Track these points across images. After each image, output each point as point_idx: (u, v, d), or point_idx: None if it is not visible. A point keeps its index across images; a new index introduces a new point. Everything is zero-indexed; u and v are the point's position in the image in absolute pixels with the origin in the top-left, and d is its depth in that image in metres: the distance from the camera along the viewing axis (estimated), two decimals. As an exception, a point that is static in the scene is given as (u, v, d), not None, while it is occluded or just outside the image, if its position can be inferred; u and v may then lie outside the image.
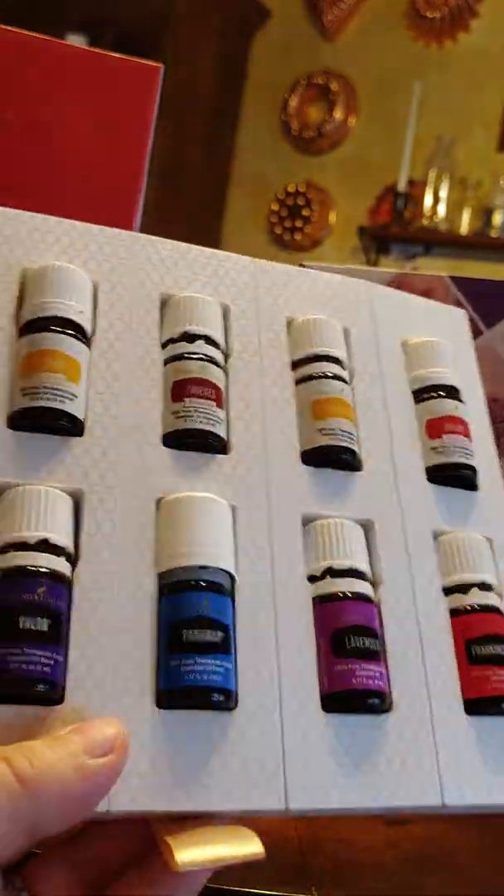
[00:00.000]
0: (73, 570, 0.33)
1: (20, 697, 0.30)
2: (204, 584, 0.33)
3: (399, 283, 0.65)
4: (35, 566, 0.32)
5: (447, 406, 0.43)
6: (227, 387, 0.40)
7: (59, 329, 0.37)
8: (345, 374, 0.42)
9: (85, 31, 2.47)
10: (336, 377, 0.42)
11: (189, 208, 2.89)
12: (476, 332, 0.64)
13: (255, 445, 0.39)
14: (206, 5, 2.86)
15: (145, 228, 0.57)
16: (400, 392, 0.44)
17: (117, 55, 0.57)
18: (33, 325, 0.37)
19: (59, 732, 0.29)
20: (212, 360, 0.40)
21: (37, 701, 0.30)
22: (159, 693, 0.32)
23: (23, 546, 0.32)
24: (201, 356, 0.39)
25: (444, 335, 0.47)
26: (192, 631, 0.32)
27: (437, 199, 2.92)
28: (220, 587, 0.34)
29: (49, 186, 0.55)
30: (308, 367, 0.42)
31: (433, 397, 0.43)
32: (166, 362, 0.39)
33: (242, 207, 3.21)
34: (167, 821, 0.30)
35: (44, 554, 0.32)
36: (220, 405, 0.39)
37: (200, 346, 0.40)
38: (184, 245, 0.43)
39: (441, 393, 0.44)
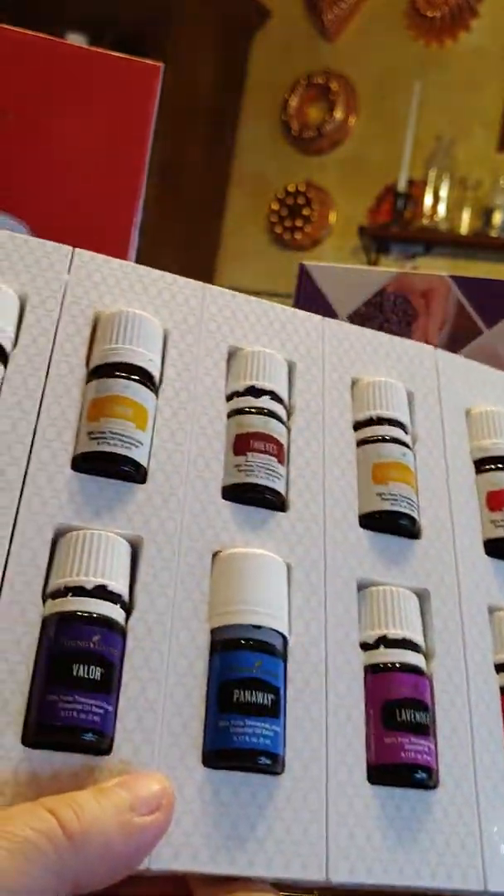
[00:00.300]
0: (127, 618, 0.33)
1: (69, 745, 0.30)
2: (256, 644, 0.33)
3: (399, 282, 0.65)
4: (91, 612, 0.32)
5: (507, 478, 0.43)
6: (289, 443, 0.40)
7: (127, 375, 0.37)
8: (407, 438, 0.42)
9: (85, 31, 2.44)
10: (398, 441, 0.41)
11: (189, 208, 2.87)
12: (476, 332, 0.63)
13: (314, 504, 0.39)
14: (206, 5, 2.84)
15: (145, 228, 0.57)
16: (461, 461, 0.43)
17: (117, 55, 0.56)
18: (103, 370, 0.37)
19: (106, 784, 0.29)
20: (275, 416, 0.40)
21: (85, 750, 0.30)
22: (206, 752, 0.31)
23: (80, 591, 0.32)
24: (265, 411, 0.39)
25: None
26: (243, 692, 0.32)
27: (437, 199, 2.89)
28: (273, 648, 0.33)
29: (49, 186, 0.55)
30: (370, 429, 0.42)
31: (493, 469, 0.43)
32: (230, 415, 0.39)
33: (242, 207, 3.18)
34: (206, 879, 0.30)
35: (100, 600, 0.32)
36: (281, 461, 0.39)
37: (265, 402, 0.40)
38: (254, 299, 0.44)
39: (500, 465, 0.43)
